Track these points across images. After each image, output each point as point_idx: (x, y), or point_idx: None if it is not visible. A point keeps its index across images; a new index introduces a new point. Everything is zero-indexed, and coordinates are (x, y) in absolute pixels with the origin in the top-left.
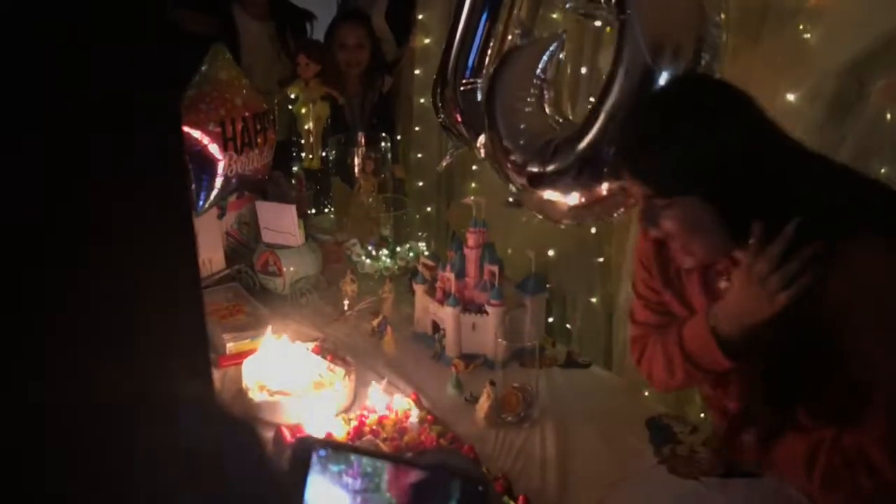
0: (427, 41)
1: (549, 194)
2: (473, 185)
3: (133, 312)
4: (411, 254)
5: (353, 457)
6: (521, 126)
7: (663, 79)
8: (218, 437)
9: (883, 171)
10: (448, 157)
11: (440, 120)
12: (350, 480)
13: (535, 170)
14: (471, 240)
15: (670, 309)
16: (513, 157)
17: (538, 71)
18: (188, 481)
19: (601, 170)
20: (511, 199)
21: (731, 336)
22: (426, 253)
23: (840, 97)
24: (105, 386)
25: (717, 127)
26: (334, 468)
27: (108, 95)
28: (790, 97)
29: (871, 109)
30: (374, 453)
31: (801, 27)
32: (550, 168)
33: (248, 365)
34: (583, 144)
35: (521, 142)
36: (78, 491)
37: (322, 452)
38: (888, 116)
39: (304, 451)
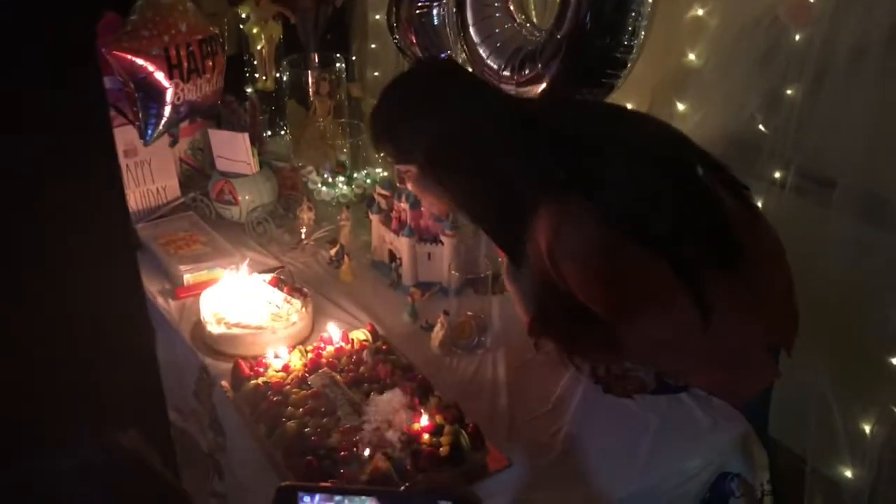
0: None
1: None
2: None
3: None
4: (368, 180)
5: (356, 500)
6: (496, 31)
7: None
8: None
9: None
10: None
11: (395, 41)
12: None
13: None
14: None
15: None
16: (489, 63)
17: None
18: None
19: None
20: None
21: None
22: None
23: None
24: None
25: (436, 109)
26: None
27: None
28: None
29: None
30: (366, 490)
31: None
32: (522, 77)
33: (205, 297)
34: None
35: (498, 45)
36: None
37: (306, 498)
38: None
39: (287, 499)
